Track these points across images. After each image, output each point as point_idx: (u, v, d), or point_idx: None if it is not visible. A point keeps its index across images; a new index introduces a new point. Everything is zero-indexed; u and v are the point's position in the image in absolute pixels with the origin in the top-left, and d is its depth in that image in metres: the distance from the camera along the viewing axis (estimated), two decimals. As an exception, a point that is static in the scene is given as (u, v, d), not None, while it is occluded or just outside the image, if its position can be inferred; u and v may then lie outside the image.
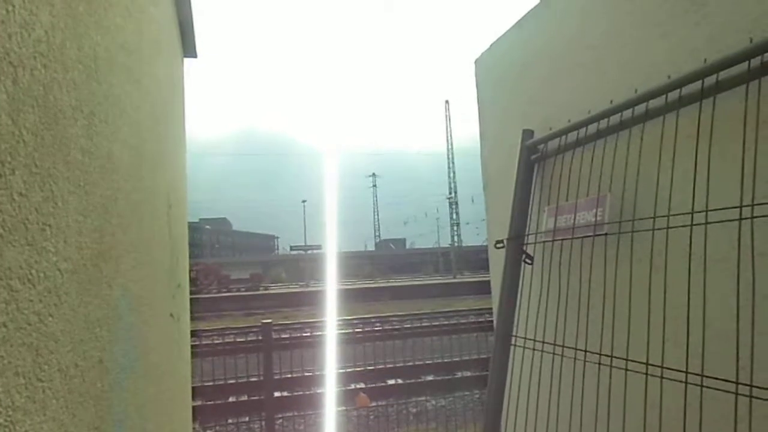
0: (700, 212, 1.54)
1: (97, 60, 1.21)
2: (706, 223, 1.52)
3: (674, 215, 1.64)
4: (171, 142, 2.88)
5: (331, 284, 14.57)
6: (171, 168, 2.86)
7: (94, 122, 1.17)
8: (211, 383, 7.17)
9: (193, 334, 4.14)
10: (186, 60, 4.06)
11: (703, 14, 1.69)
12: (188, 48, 3.96)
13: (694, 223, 1.56)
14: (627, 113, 1.88)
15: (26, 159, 0.78)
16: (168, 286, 2.55)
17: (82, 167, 1.06)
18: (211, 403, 7.59)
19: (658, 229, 1.69)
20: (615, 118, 1.94)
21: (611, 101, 1.94)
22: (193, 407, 3.96)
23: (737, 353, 1.40)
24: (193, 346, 4.09)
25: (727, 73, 1.52)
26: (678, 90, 1.67)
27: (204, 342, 8.90)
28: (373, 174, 47.17)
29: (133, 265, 1.62)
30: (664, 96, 1.72)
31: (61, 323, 0.92)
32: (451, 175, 42.37)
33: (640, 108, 1.82)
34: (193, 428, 4.10)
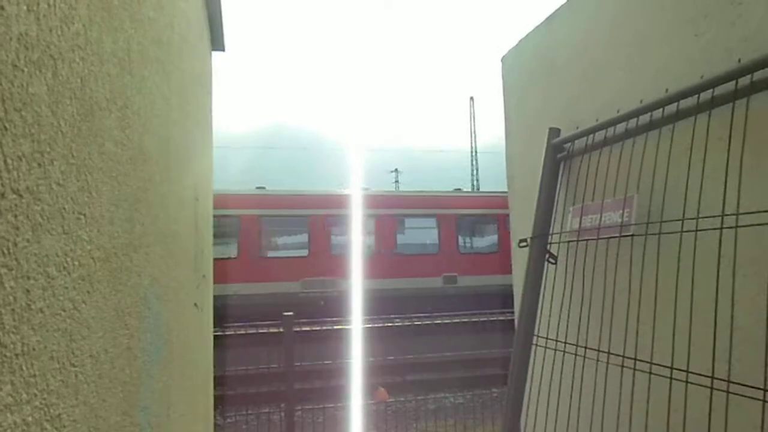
0: (730, 215, 1.51)
1: (131, 53, 1.23)
2: (737, 226, 1.49)
3: (704, 218, 1.62)
4: (198, 135, 2.92)
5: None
6: (198, 161, 2.90)
7: (127, 114, 1.20)
8: (232, 373, 7.26)
9: (216, 323, 4.20)
10: (214, 53, 4.10)
11: (738, 13, 1.65)
12: (216, 41, 4.01)
13: (724, 226, 1.53)
14: (657, 113, 1.85)
15: (64, 150, 0.80)
16: (193, 277, 2.60)
17: (115, 158, 1.09)
18: (232, 392, 7.69)
19: (687, 231, 1.67)
20: (644, 118, 1.91)
21: (641, 101, 1.91)
22: (214, 396, 4.01)
23: (766, 359, 1.37)
24: (215, 336, 4.15)
25: (762, 73, 1.49)
26: (711, 90, 1.63)
27: (227, 332, 9.01)
28: (396, 169, 47.16)
29: (161, 256, 1.65)
30: (696, 96, 1.69)
31: (93, 310, 0.94)
32: (474, 172, 42.15)
33: (671, 108, 1.79)
34: (214, 417, 4.17)
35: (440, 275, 16.12)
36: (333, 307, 14.01)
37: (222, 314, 11.39)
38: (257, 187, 16.85)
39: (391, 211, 16.52)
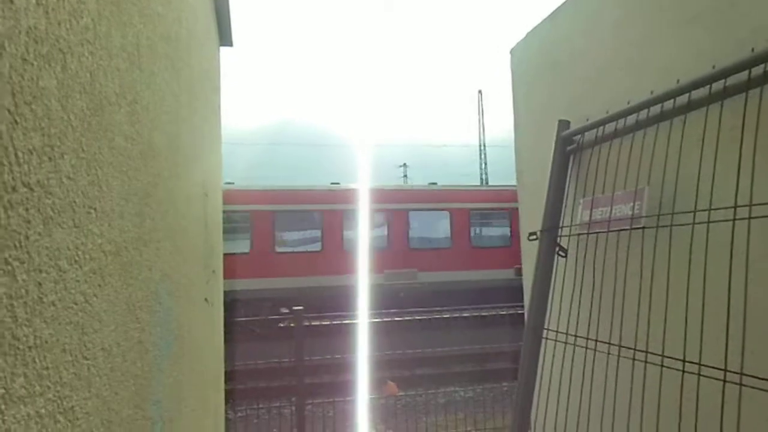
0: (743, 206, 1.49)
1: (140, 48, 1.24)
2: (750, 217, 1.47)
3: (716, 209, 1.60)
4: (207, 131, 2.93)
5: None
6: (206, 156, 2.91)
7: (137, 109, 1.20)
8: (242, 368, 7.30)
9: (226, 318, 4.22)
10: (222, 49, 4.10)
11: (750, 3, 1.63)
12: (224, 37, 4.01)
13: (736, 217, 1.51)
14: (668, 104, 1.83)
15: (74, 144, 0.81)
16: (203, 272, 2.61)
17: (125, 153, 1.09)
18: (242, 387, 7.74)
19: (699, 223, 1.65)
20: (655, 109, 1.89)
21: (651, 92, 1.89)
22: (225, 390, 4.03)
23: (780, 352, 1.36)
24: (225, 331, 4.17)
25: (776, 62, 1.47)
26: (723, 80, 1.61)
27: (237, 328, 9.06)
28: (404, 164, 47.09)
29: (171, 251, 1.66)
30: (707, 87, 1.67)
31: (105, 304, 0.95)
32: (483, 166, 42.00)
33: (682, 99, 1.77)
34: (225, 411, 4.19)
35: (512, 267, 16.46)
36: (412, 298, 14.62)
37: (313, 306, 11.97)
38: (332, 183, 17.42)
39: (465, 205, 17.05)
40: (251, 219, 14.88)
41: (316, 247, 15.50)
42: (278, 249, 15.14)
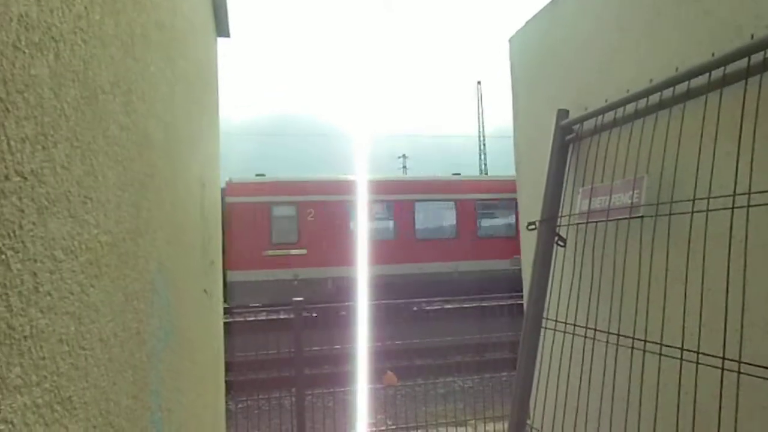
0: (742, 194, 1.48)
1: (134, 37, 1.22)
2: (749, 206, 1.47)
3: (714, 198, 1.59)
4: (204, 122, 2.91)
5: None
6: (204, 147, 2.89)
7: (132, 99, 1.19)
8: (242, 359, 7.31)
9: (225, 310, 4.22)
10: (219, 40, 4.07)
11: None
12: (221, 27, 3.98)
13: (735, 206, 1.51)
14: (667, 92, 1.82)
15: (68, 133, 0.80)
16: (201, 263, 2.60)
17: (120, 143, 1.08)
18: (243, 378, 7.76)
19: (697, 211, 1.65)
20: (654, 98, 1.88)
21: (651, 80, 1.88)
22: (225, 382, 4.03)
23: (778, 340, 1.36)
24: (225, 323, 4.16)
25: (775, 49, 1.46)
26: (722, 68, 1.60)
27: (236, 319, 9.08)
28: (404, 155, 47.04)
29: (168, 241, 1.65)
30: (707, 74, 1.66)
31: (102, 294, 0.95)
32: (482, 156, 41.96)
33: (681, 87, 1.76)
34: (226, 402, 4.20)
35: None
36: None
37: (442, 289, 12.81)
38: (453, 174, 18.04)
39: None
40: (393, 208, 15.70)
41: (452, 233, 16.23)
42: (418, 236, 15.87)
